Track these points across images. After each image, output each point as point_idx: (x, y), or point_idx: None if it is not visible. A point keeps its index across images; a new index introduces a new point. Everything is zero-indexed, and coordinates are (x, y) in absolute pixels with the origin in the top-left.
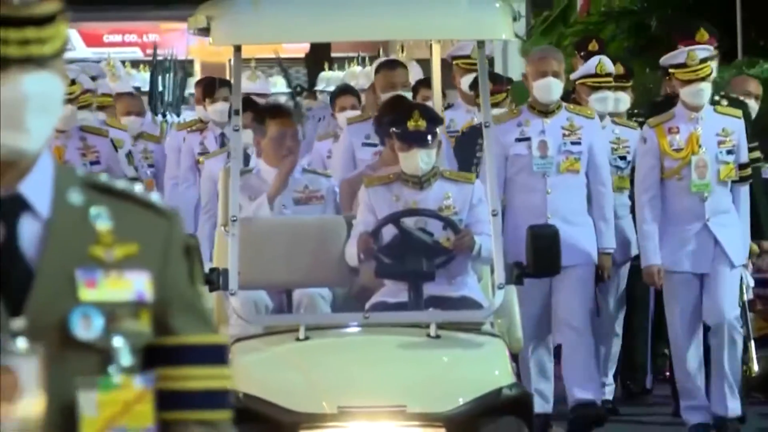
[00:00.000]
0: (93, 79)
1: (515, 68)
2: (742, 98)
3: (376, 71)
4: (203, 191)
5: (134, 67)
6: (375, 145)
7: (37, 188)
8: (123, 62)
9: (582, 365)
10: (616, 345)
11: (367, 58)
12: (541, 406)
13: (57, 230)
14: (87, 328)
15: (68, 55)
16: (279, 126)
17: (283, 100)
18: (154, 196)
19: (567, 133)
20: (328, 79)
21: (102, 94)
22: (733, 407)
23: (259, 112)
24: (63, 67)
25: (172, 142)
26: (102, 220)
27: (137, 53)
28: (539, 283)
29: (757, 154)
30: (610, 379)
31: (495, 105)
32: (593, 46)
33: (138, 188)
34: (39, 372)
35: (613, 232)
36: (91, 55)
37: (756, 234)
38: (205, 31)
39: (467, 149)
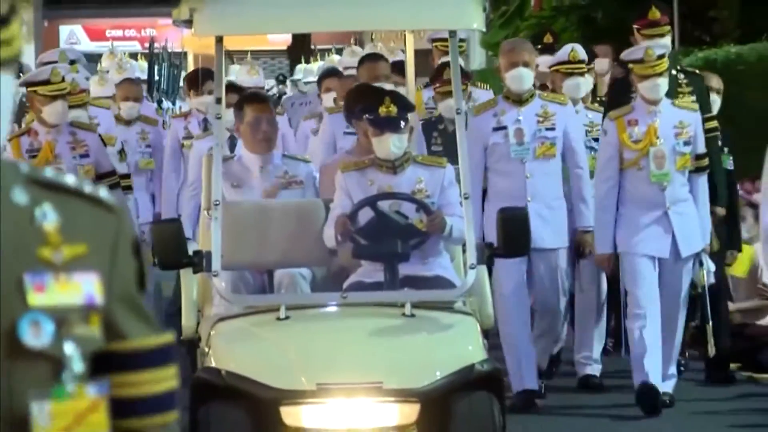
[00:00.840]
0: (71, 62)
1: (476, 58)
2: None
3: (360, 63)
4: (191, 170)
5: (132, 58)
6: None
7: None
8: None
9: (545, 347)
10: (601, 320)
11: (344, 50)
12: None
13: (2, 232)
14: (37, 335)
15: (74, 47)
16: (255, 112)
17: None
18: (102, 191)
19: (541, 119)
20: (305, 70)
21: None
22: (666, 385)
23: (238, 99)
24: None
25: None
26: (48, 219)
27: (136, 46)
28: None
29: (714, 123)
30: (596, 355)
31: None
32: (548, 38)
33: (86, 183)
34: None
35: (592, 211)
36: (95, 48)
37: (711, 200)
38: (188, 23)
39: (424, 141)
